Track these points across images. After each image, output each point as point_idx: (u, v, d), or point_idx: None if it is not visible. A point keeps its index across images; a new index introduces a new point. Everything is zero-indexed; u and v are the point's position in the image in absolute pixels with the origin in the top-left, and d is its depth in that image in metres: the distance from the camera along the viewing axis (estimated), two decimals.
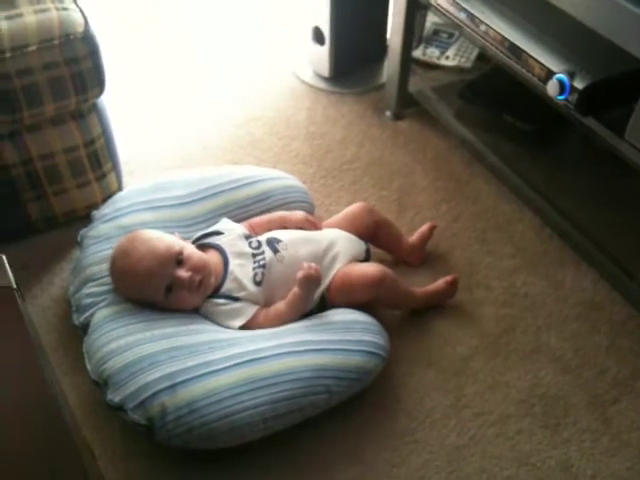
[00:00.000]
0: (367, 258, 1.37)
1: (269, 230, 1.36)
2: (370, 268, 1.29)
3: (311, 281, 1.22)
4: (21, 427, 0.67)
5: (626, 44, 1.12)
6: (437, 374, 1.29)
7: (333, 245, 1.33)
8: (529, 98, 1.42)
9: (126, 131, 1.75)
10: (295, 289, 1.23)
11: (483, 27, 1.42)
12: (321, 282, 1.26)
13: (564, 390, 1.27)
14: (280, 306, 1.25)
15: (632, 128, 1.18)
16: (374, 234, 1.42)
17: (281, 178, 1.51)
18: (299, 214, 1.39)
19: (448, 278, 1.38)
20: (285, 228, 1.37)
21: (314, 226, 1.38)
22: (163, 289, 1.20)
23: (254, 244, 1.30)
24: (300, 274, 1.21)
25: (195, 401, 1.08)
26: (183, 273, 1.20)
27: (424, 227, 1.48)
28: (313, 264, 1.23)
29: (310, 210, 1.49)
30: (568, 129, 1.64)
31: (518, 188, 1.57)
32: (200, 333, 1.18)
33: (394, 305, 1.37)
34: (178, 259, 1.21)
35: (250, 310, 1.24)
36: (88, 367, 1.17)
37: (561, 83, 1.24)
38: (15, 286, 0.77)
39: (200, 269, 1.22)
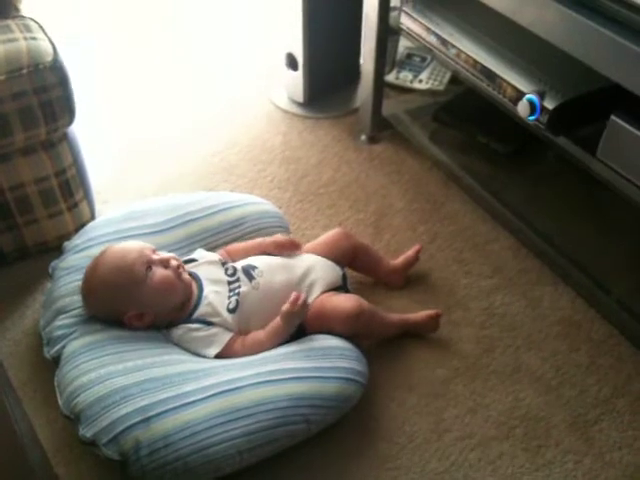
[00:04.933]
0: (344, 283, 1.35)
1: (247, 257, 1.35)
2: (347, 303, 1.26)
3: (295, 315, 1.21)
4: None
5: (595, 63, 1.13)
6: (417, 398, 1.27)
7: (309, 272, 1.32)
8: (503, 119, 1.43)
9: (99, 159, 1.73)
10: (278, 320, 1.22)
11: (454, 50, 1.43)
12: (305, 314, 1.23)
13: (545, 411, 1.26)
14: (259, 335, 1.23)
15: (603, 146, 1.19)
16: (353, 259, 1.41)
17: (255, 203, 1.49)
18: (268, 240, 1.37)
19: (431, 312, 1.34)
20: (265, 253, 1.35)
21: (288, 248, 1.35)
22: (144, 269, 1.21)
23: (230, 271, 1.29)
24: (285, 307, 1.20)
25: (169, 435, 1.06)
26: (160, 254, 1.25)
27: (410, 251, 1.46)
28: (302, 295, 1.21)
29: (285, 234, 1.47)
30: (542, 149, 1.65)
31: (494, 208, 1.57)
32: (173, 364, 1.16)
33: (371, 336, 1.33)
34: (153, 251, 1.26)
35: (225, 337, 1.22)
36: (60, 402, 1.14)
37: (531, 103, 1.25)
38: None
39: (174, 258, 1.26)
